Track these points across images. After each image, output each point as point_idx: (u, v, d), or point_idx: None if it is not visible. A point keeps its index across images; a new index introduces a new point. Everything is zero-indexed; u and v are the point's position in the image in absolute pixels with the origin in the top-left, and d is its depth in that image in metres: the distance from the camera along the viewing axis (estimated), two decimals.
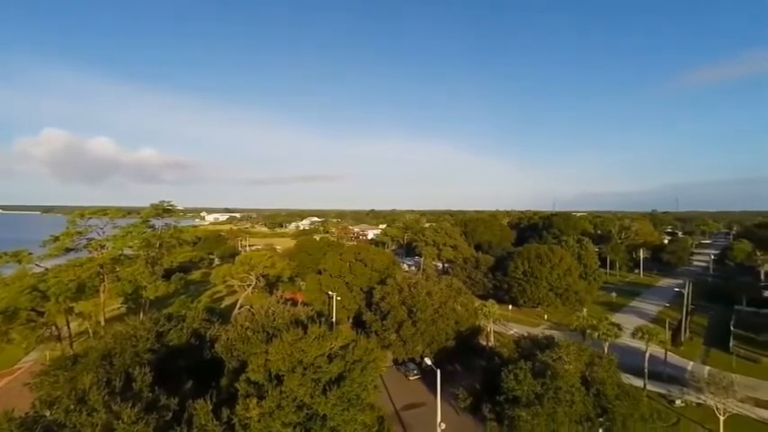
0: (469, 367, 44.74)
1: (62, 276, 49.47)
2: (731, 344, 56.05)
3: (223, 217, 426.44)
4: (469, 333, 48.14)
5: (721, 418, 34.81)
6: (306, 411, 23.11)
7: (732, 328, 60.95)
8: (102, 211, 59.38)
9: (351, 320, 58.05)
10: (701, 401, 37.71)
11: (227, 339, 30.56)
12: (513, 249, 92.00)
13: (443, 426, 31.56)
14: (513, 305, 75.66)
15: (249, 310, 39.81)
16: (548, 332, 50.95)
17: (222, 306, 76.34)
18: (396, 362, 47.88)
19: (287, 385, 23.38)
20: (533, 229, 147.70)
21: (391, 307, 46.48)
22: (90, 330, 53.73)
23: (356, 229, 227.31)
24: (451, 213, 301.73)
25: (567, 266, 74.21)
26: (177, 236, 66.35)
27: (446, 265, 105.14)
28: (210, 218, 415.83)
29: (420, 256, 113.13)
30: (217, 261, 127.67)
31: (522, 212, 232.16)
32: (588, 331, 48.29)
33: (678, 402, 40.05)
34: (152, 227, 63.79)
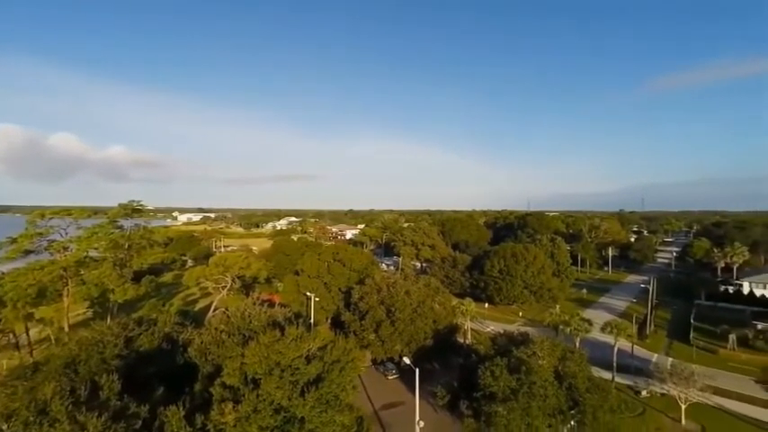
0: (447, 365, 45.32)
1: (20, 281, 46.61)
2: (691, 336, 59.34)
3: (196, 217, 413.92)
4: (447, 331, 48.73)
5: (683, 407, 36.81)
6: (283, 414, 22.76)
7: (692, 322, 64.54)
8: (66, 211, 56.30)
9: (329, 321, 57.63)
10: (665, 391, 39.69)
11: (201, 343, 29.67)
12: (489, 248, 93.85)
13: (422, 424, 31.83)
14: (489, 303, 77.20)
15: (224, 312, 38.78)
16: (523, 329, 52.27)
17: (196, 309, 74.11)
18: (374, 362, 47.91)
19: (264, 388, 22.96)
20: (509, 228, 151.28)
21: (370, 307, 46.47)
22: (52, 337, 50.95)
23: (334, 229, 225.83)
24: (430, 213, 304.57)
25: (541, 265, 76.43)
26: (147, 237, 63.83)
27: (424, 264, 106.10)
28: (183, 218, 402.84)
29: (399, 255, 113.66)
30: (190, 263, 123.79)
31: (498, 212, 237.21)
32: (561, 327, 49.89)
33: (644, 393, 41.99)
34: (120, 227, 61.08)
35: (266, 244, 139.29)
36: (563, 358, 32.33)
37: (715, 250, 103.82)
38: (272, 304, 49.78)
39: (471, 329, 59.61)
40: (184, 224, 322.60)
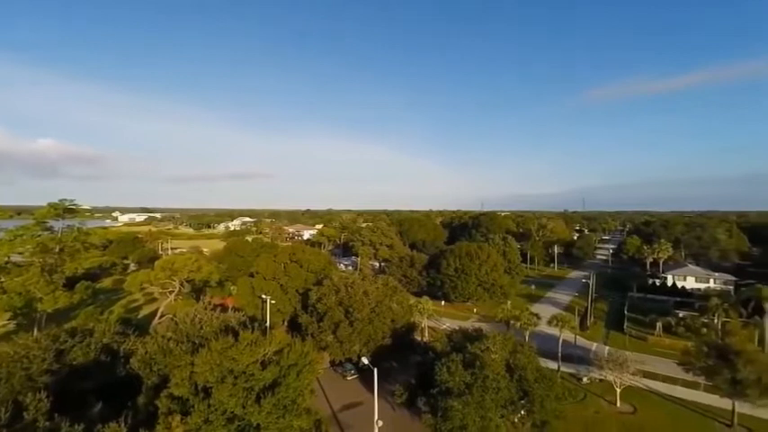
0: (405, 363, 45.97)
1: None
2: (625, 326, 65.03)
3: (140, 217, 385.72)
4: (405, 330, 49.44)
5: (618, 390, 40.25)
6: (237, 423, 21.92)
7: (626, 313, 70.69)
8: None
9: (286, 324, 56.23)
10: (603, 377, 43.12)
11: (146, 353, 27.76)
12: (445, 248, 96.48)
13: (381, 423, 32.05)
14: (445, 301, 79.37)
15: (172, 319, 36.53)
16: (477, 325, 54.13)
17: (139, 316, 69.05)
18: (333, 363, 47.49)
19: (216, 397, 21.96)
20: (464, 228, 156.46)
21: (328, 308, 45.99)
22: None
23: (291, 230, 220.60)
24: (388, 213, 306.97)
25: (494, 263, 79.87)
26: (82, 239, 58.40)
27: (382, 264, 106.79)
28: (125, 218, 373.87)
29: (357, 255, 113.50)
30: (133, 266, 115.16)
31: (453, 212, 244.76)
32: (512, 322, 52.59)
33: (585, 380, 45.32)
34: (50, 229, 55.41)
35: (219, 245, 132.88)
36: (514, 351, 34.04)
37: (644, 247, 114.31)
38: (224, 309, 47.64)
39: (428, 327, 60.97)
40: (126, 225, 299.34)
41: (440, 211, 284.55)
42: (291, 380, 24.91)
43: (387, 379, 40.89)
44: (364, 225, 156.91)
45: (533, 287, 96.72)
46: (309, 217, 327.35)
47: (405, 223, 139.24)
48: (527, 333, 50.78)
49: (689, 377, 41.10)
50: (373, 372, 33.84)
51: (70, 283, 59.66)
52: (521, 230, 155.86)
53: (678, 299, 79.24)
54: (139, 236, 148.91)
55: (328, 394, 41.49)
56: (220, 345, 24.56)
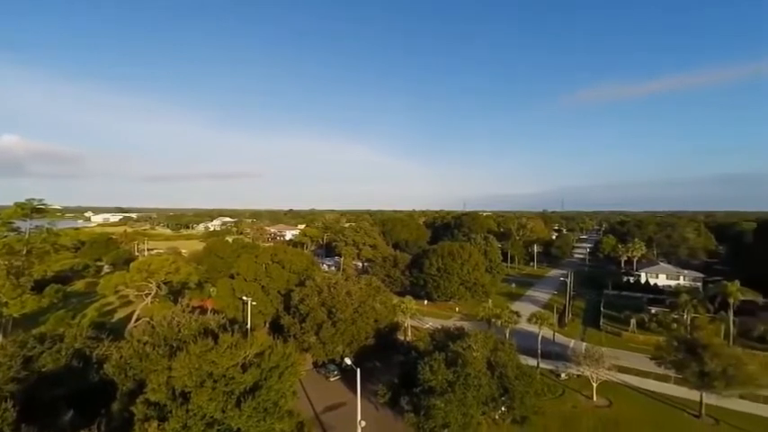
0: (389, 363, 46.06)
1: None
2: (601, 322, 67.10)
3: (115, 217, 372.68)
4: (388, 330, 49.55)
5: (594, 385, 41.50)
6: (217, 428, 21.50)
7: (602, 309, 72.93)
8: None
9: (267, 325, 55.49)
10: (580, 373, 44.35)
11: (121, 358, 26.89)
12: (428, 247, 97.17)
13: (364, 423, 32.02)
14: (428, 300, 79.96)
15: (148, 322, 35.45)
16: (459, 323, 54.80)
17: (114, 320, 66.75)
18: (315, 364, 47.15)
19: (194, 402, 21.46)
20: (446, 227, 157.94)
21: (310, 309, 45.62)
22: None
23: (273, 230, 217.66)
24: (371, 213, 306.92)
25: (476, 262, 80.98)
26: (52, 240, 56.10)
27: (365, 264, 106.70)
28: (98, 218, 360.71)
29: (340, 255, 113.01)
30: (107, 268, 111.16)
31: (436, 212, 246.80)
32: (493, 320, 53.44)
33: (563, 376, 46.51)
34: (17, 230, 52.93)
35: (198, 246, 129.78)
36: (495, 349, 34.63)
37: (619, 246, 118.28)
38: (204, 311, 46.67)
39: (411, 326, 61.29)
40: (100, 225, 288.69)
41: (423, 211, 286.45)
42: (273, 382, 24.59)
43: (370, 379, 40.89)
44: (347, 225, 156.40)
45: (514, 286, 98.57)
46: (292, 217, 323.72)
47: (388, 223, 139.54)
48: (508, 331, 51.73)
49: (660, 371, 42.78)
50: (356, 372, 33.79)
51: (39, 287, 57.12)
52: (501, 230, 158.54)
53: (651, 296, 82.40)
54: (114, 237, 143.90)
55: (311, 396, 41.16)
56: (199, 348, 24.01)
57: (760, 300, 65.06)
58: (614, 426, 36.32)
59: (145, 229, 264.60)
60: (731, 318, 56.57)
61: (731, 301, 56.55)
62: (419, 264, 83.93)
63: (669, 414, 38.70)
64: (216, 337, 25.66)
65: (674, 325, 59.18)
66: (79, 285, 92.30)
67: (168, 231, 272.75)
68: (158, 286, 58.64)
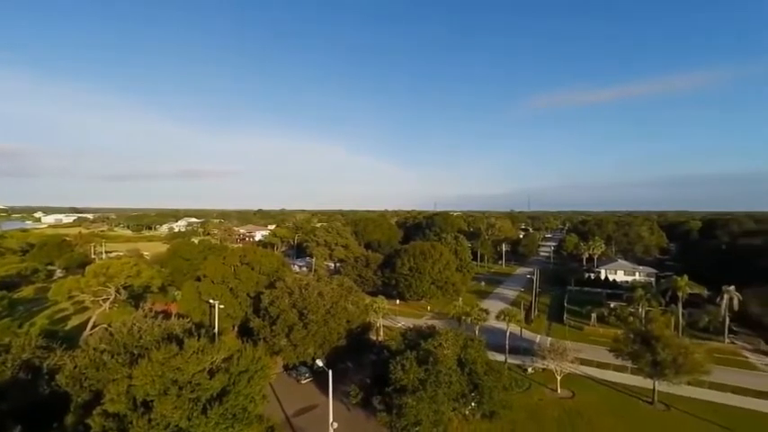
0: (361, 363, 46.03)
1: None
2: (565, 317, 70.13)
3: (69, 218, 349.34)
4: (360, 330, 49.47)
5: (558, 378, 43.35)
6: None
7: (565, 305, 76.24)
8: None
9: (236, 329, 53.91)
10: (546, 366, 46.18)
11: (75, 368, 25.29)
12: (400, 247, 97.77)
13: (336, 425, 31.82)
14: (400, 299, 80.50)
15: (106, 329, 33.54)
16: (430, 322, 55.72)
17: (68, 328, 62.71)
18: (286, 367, 46.36)
19: (158, 411, 20.56)
20: (418, 227, 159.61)
21: (281, 311, 44.78)
22: None
23: (242, 231, 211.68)
24: (343, 213, 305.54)
25: (446, 261, 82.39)
26: None
27: (338, 264, 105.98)
28: (50, 219, 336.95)
29: (311, 256, 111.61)
30: (59, 273, 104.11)
31: (408, 212, 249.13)
32: (463, 318, 54.61)
33: (530, 370, 48.25)
34: None
35: (161, 248, 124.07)
36: (465, 346, 35.41)
37: (581, 244, 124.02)
38: (167, 315, 44.74)
39: (384, 326, 61.56)
40: (52, 227, 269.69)
41: (395, 211, 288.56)
42: (242, 387, 23.96)
43: (342, 380, 40.69)
44: (319, 225, 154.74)
45: (483, 284, 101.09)
46: (261, 217, 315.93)
47: (360, 223, 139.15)
48: (477, 328, 53.05)
49: (618, 362, 45.26)
50: (328, 374, 33.52)
51: None
52: (471, 229, 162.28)
53: (610, 291, 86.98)
54: (68, 239, 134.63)
55: (282, 399, 40.44)
56: (162, 354, 23.00)
57: (705, 293, 70.21)
58: (577, 415, 38.11)
59: (102, 231, 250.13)
60: (680, 310, 60.75)
61: (680, 294, 60.72)
62: (391, 263, 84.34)
63: (626, 402, 41.08)
64: (181, 343, 24.69)
65: (631, 318, 62.78)
66: (28, 291, 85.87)
67: (128, 233, 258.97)
68: (117, 291, 55.66)
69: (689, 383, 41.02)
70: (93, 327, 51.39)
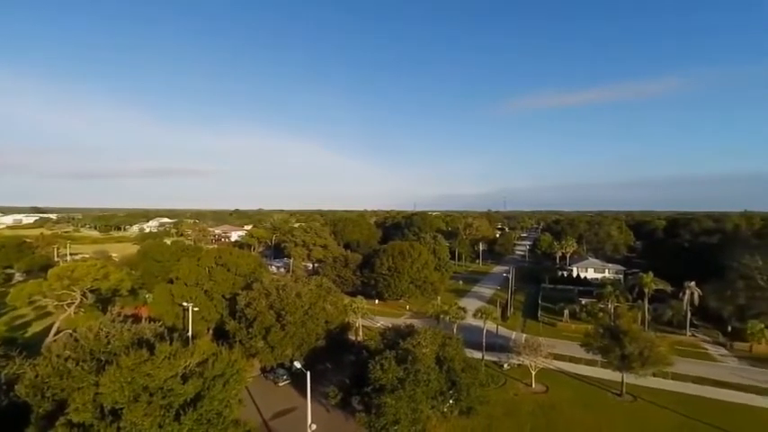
0: (340, 364, 45.82)
1: None
2: (539, 314, 72.18)
3: (30, 218, 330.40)
4: (339, 330, 49.25)
5: (533, 373, 44.59)
6: None
7: (539, 302, 78.46)
8: None
9: (211, 332, 52.54)
10: (521, 362, 47.38)
11: (37, 377, 23.98)
12: (379, 247, 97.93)
13: (314, 427, 31.57)
14: (379, 299, 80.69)
15: (71, 335, 31.94)
16: (409, 321, 56.00)
17: (28, 334, 59.47)
18: (264, 370, 45.58)
19: (127, 419, 19.81)
20: (397, 227, 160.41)
21: (258, 312, 43.99)
22: None
23: (217, 231, 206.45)
24: (321, 213, 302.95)
25: (425, 260, 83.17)
26: None
27: (316, 264, 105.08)
28: (8, 219, 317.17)
29: (289, 257, 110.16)
30: (19, 276, 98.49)
31: (387, 212, 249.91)
32: (441, 316, 55.30)
33: (506, 366, 49.37)
34: None
35: (131, 249, 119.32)
36: (443, 345, 35.86)
37: (555, 243, 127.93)
38: (138, 319, 43.07)
39: (363, 326, 61.49)
40: (9, 228, 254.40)
41: (374, 211, 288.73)
42: (216, 392, 23.39)
43: (321, 381, 40.39)
44: (297, 225, 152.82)
45: (461, 282, 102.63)
46: (237, 217, 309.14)
47: (339, 223, 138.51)
48: (455, 326, 53.80)
49: (589, 356, 46.99)
50: (306, 375, 33.19)
51: None
52: (450, 229, 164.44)
53: (581, 288, 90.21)
54: (28, 240, 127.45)
55: (259, 403, 39.71)
56: (132, 360, 22.15)
57: (669, 288, 73.85)
58: (550, 409, 39.30)
59: (67, 232, 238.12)
60: (646, 305, 63.71)
61: (646, 290, 63.69)
62: (370, 263, 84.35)
63: (596, 395, 42.71)
64: (152, 348, 23.85)
65: (601, 314, 65.34)
66: None
67: (95, 234, 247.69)
68: (83, 295, 53.12)
69: (654, 375, 43.13)
70: (57, 333, 48.90)
